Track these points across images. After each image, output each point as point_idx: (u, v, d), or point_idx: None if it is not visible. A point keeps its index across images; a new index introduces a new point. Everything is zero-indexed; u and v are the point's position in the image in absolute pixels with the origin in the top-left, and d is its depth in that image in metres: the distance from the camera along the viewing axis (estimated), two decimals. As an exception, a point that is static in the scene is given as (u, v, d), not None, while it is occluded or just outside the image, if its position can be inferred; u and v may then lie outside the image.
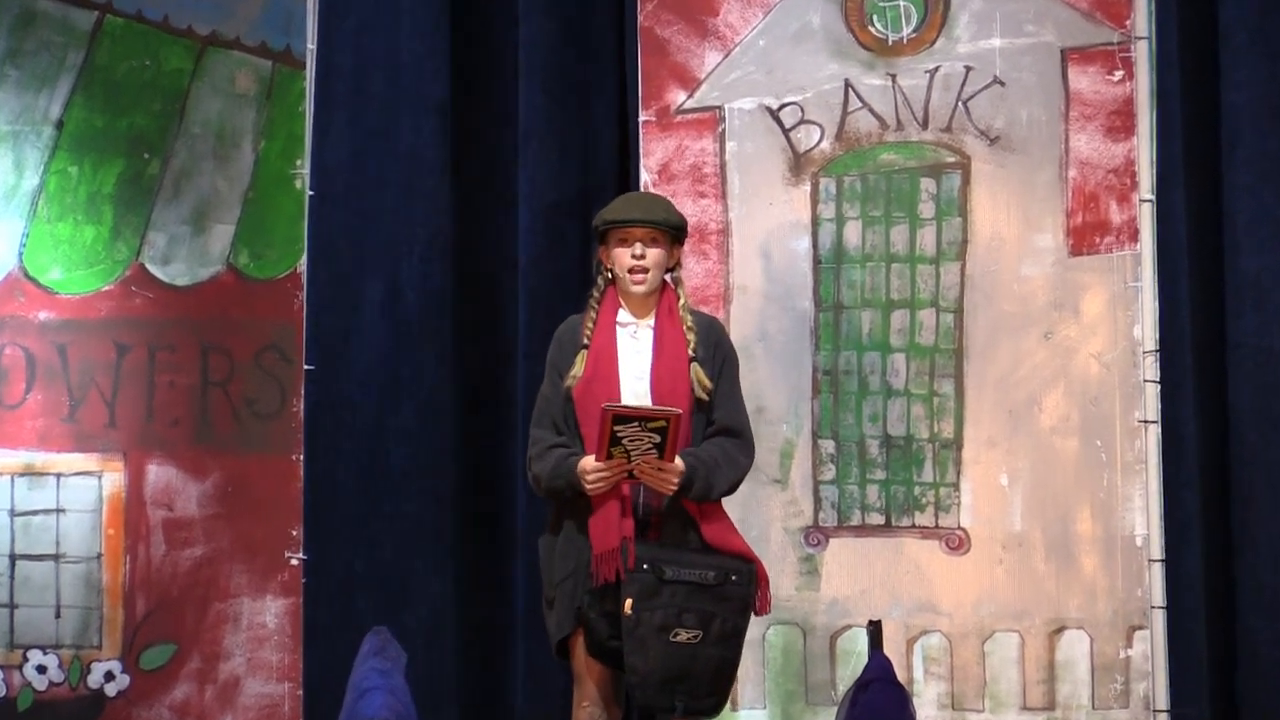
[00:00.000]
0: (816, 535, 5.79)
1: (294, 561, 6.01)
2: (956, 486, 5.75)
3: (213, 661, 6.09)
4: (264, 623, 6.08)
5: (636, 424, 4.43)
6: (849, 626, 5.74)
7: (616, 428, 4.43)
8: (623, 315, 4.72)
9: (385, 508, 6.01)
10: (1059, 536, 5.68)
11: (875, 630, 5.31)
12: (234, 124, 6.21)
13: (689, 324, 4.70)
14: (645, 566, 4.48)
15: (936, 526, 5.75)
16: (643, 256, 4.68)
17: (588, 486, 4.53)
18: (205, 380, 6.15)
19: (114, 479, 6.13)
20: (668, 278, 4.76)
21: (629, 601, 4.47)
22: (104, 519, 6.12)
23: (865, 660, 5.29)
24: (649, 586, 4.48)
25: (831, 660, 5.75)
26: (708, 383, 4.66)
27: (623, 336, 4.70)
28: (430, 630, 5.97)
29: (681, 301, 4.74)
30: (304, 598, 5.95)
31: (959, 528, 5.74)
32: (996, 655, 5.70)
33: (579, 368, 4.65)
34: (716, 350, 4.72)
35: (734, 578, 4.54)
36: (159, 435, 6.13)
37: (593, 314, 4.73)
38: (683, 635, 4.48)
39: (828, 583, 5.76)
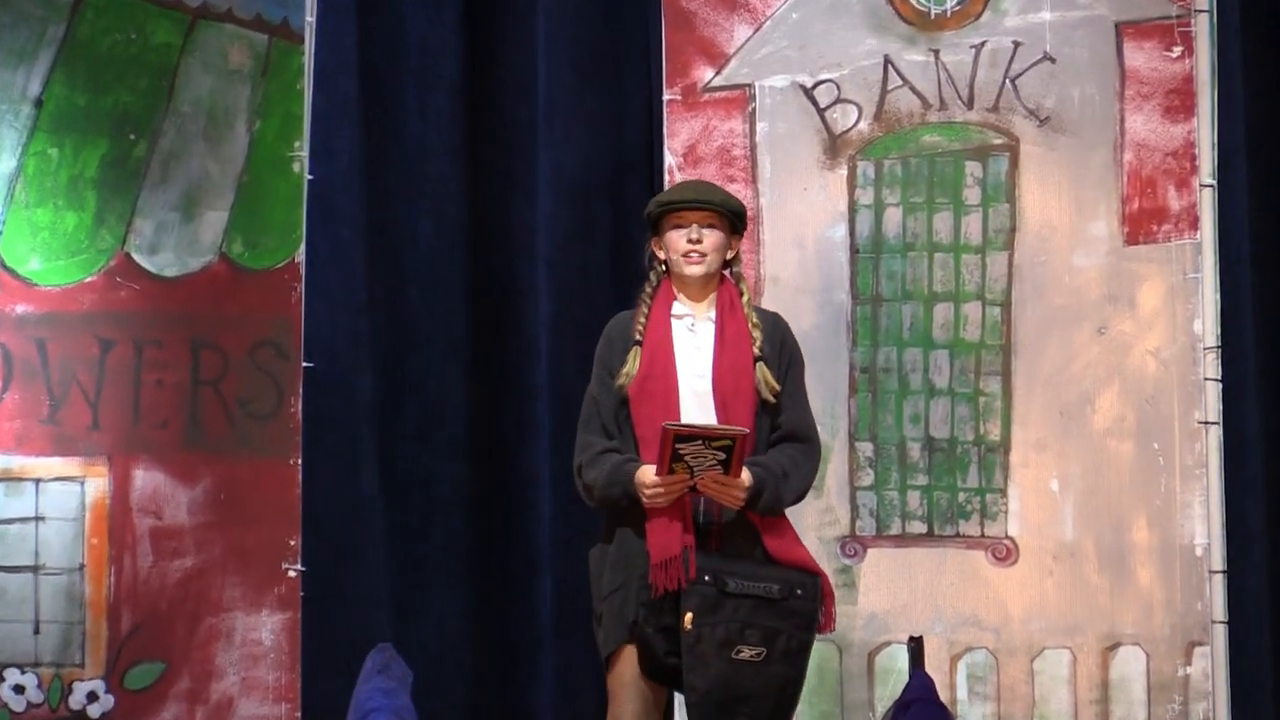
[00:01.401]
0: (854, 545, 5.82)
1: (291, 573, 6.00)
2: (1004, 493, 5.78)
3: (204, 681, 6.07)
4: (259, 639, 6.06)
5: (700, 442, 4.44)
6: (888, 643, 5.77)
7: (679, 446, 4.44)
8: (678, 308, 4.72)
9: (392, 515, 6.04)
10: (1113, 546, 5.71)
11: (916, 647, 5.36)
12: (227, 103, 6.19)
13: (754, 320, 4.71)
14: (707, 578, 4.49)
15: (982, 536, 5.78)
16: (699, 240, 4.69)
17: (647, 500, 4.54)
18: (196, 378, 6.13)
19: (97, 485, 6.11)
20: (727, 273, 4.76)
21: (689, 615, 4.48)
22: (87, 528, 6.10)
23: (905, 679, 5.35)
24: (710, 600, 4.49)
25: (869, 679, 5.78)
26: (775, 384, 4.66)
27: (679, 330, 4.70)
28: (441, 647, 6.01)
29: (745, 297, 4.75)
30: (302, 612, 5.95)
31: (1006, 537, 5.77)
32: (1046, 674, 5.72)
33: (632, 365, 4.65)
34: (783, 349, 4.73)
35: (799, 591, 4.56)
36: (146, 437, 6.11)
37: (645, 308, 4.73)
38: (745, 652, 4.50)
39: (865, 596, 5.79)
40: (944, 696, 5.49)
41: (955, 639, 5.75)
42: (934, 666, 5.54)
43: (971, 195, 5.85)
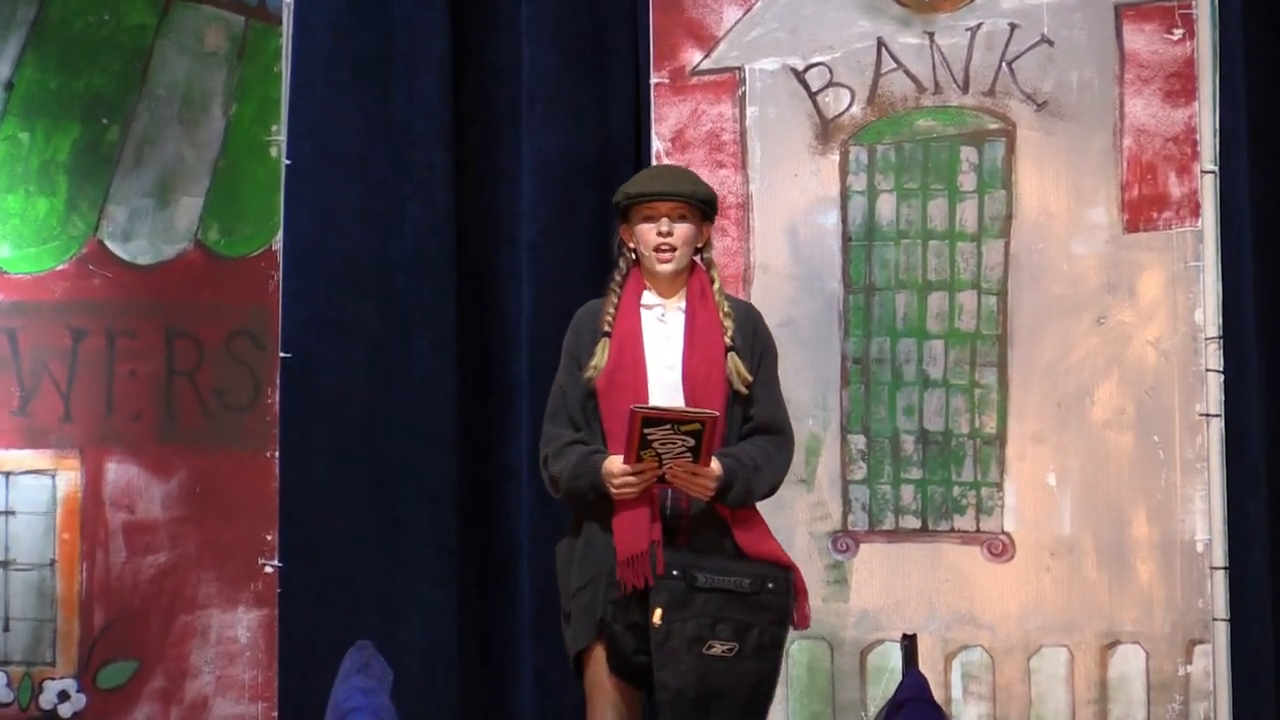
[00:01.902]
0: (845, 540, 5.81)
1: (268, 569, 6.02)
2: (1000, 487, 5.78)
3: (178, 680, 6.08)
4: (235, 637, 6.08)
5: (669, 426, 4.45)
6: (881, 641, 5.77)
7: (647, 430, 4.45)
8: (648, 297, 4.74)
9: (374, 509, 6.04)
10: (1112, 542, 5.71)
11: (910, 645, 5.35)
12: (202, 86, 6.21)
13: (725, 309, 4.71)
14: (675, 573, 4.50)
15: (977, 531, 5.78)
16: (670, 233, 4.70)
17: (614, 491, 4.55)
18: (170, 369, 6.14)
19: (69, 478, 6.12)
20: (698, 259, 4.76)
21: (658, 611, 4.49)
22: (58, 522, 6.12)
23: (899, 678, 5.33)
24: (680, 595, 4.50)
25: (862, 678, 5.78)
26: (747, 375, 4.68)
27: (649, 320, 4.71)
28: (426, 645, 6.00)
29: (716, 285, 4.76)
30: (280, 609, 5.96)
31: (1002, 532, 5.77)
32: (1043, 672, 5.72)
33: (601, 357, 4.67)
34: (755, 339, 4.74)
35: (771, 585, 4.57)
36: (119, 430, 6.13)
37: (614, 298, 4.75)
38: (717, 648, 4.51)
39: (858, 593, 5.79)
40: (938, 696, 5.48)
41: (950, 637, 5.74)
42: (928, 665, 5.51)
43: (967, 181, 5.84)
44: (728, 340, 4.67)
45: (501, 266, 6.18)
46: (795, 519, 5.78)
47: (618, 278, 4.78)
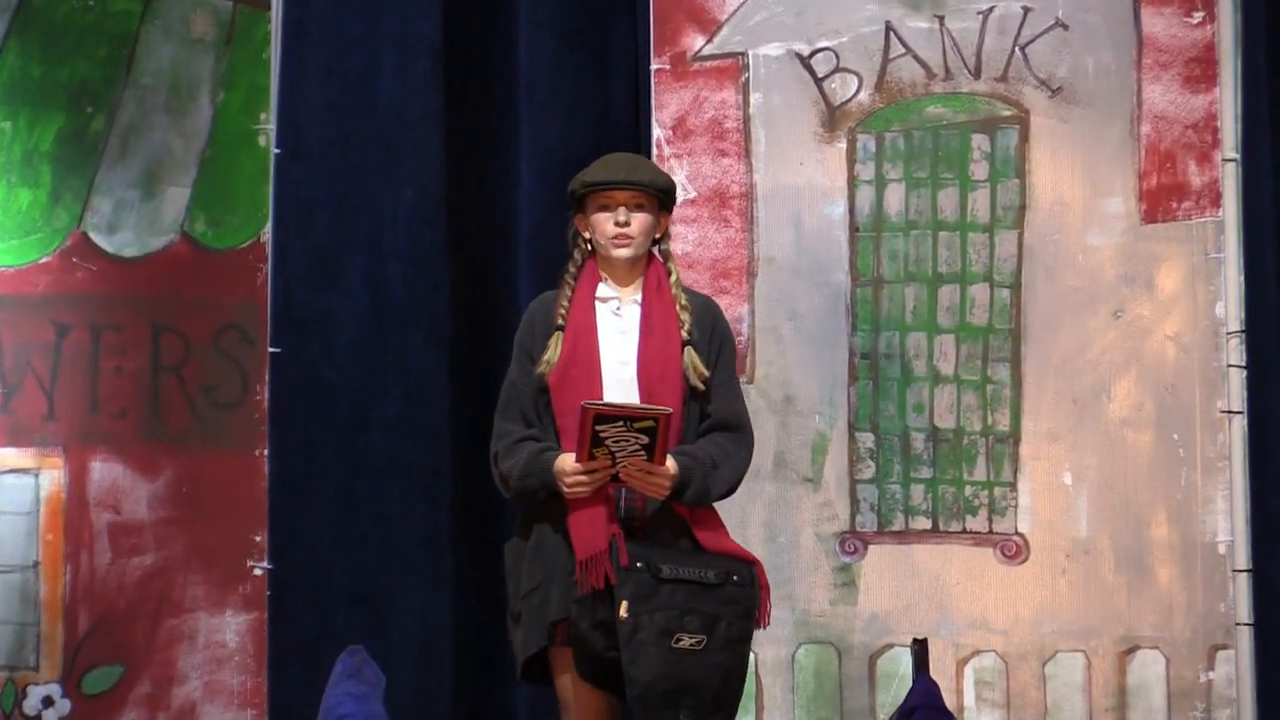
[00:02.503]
0: (853, 542, 5.81)
1: (257, 571, 6.05)
2: (1013, 486, 5.78)
3: (165, 685, 6.11)
4: (223, 641, 6.11)
5: (621, 423, 4.45)
6: (890, 646, 5.77)
7: (599, 427, 4.45)
8: (603, 289, 4.73)
9: (366, 508, 6.03)
10: (1130, 543, 5.71)
11: (920, 650, 5.35)
12: (189, 73, 6.24)
13: (682, 302, 4.71)
14: (639, 564, 4.50)
15: (990, 532, 5.78)
16: (627, 223, 4.69)
17: (566, 490, 4.55)
18: (156, 365, 6.17)
19: (52, 477, 6.15)
20: (655, 251, 4.76)
21: (624, 604, 4.49)
22: (41, 523, 6.14)
23: (909, 684, 5.33)
24: (645, 586, 4.50)
25: (871, 684, 5.78)
26: (704, 370, 4.66)
27: (603, 313, 4.71)
28: (421, 649, 6.00)
29: (673, 277, 4.75)
30: (269, 613, 5.96)
31: (1016, 533, 5.77)
32: (1059, 679, 5.72)
33: (553, 351, 4.66)
34: (713, 333, 4.73)
35: (736, 578, 4.57)
36: (104, 428, 6.16)
37: (568, 290, 4.74)
38: (686, 641, 4.51)
39: (866, 596, 5.79)
40: (950, 703, 5.48)
41: (962, 641, 5.75)
42: (939, 671, 5.52)
43: (979, 170, 5.85)
44: (684, 334, 4.66)
45: (496, 257, 6.17)
46: (801, 520, 5.78)
47: (572, 269, 4.77)
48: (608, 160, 4.82)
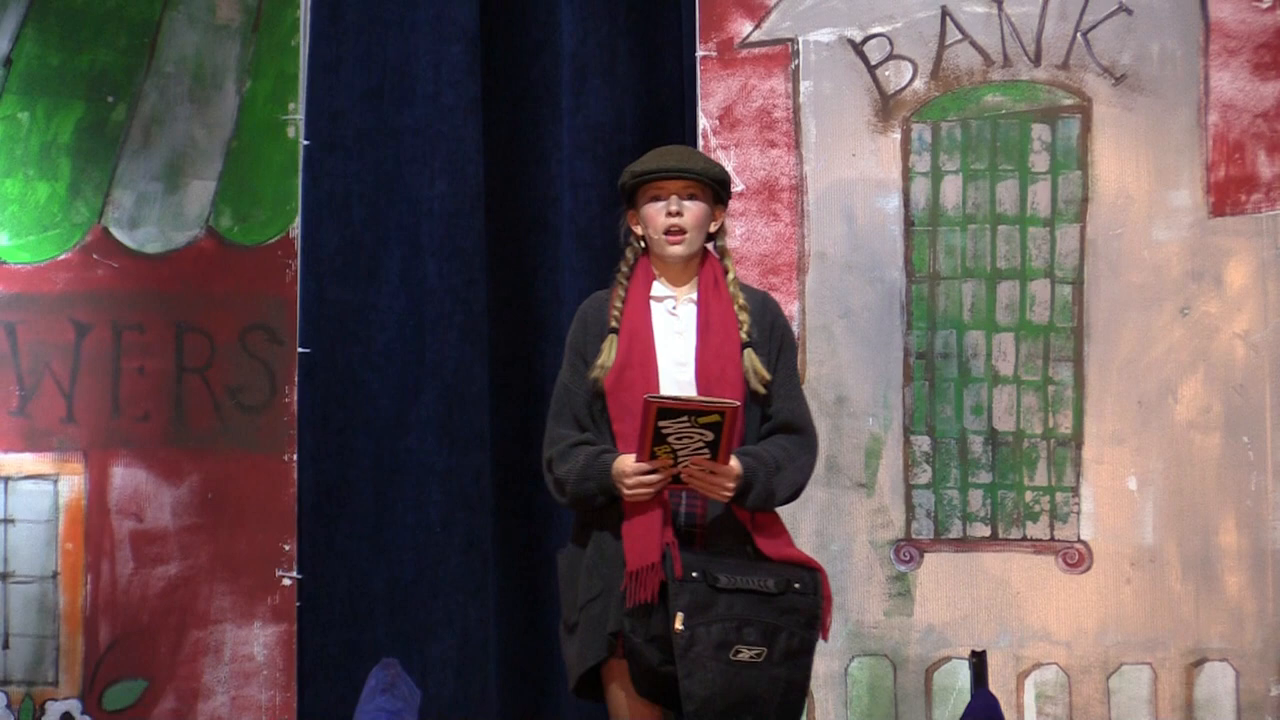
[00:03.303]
0: (909, 550, 5.82)
1: (286, 581, 6.05)
2: (1076, 492, 5.78)
3: (190, 700, 6.11)
4: (251, 654, 6.10)
5: (685, 419, 4.44)
6: (948, 658, 5.78)
7: (661, 423, 4.44)
8: (658, 288, 4.73)
9: (402, 515, 6.06)
10: (1198, 551, 5.72)
11: (979, 662, 5.39)
12: (214, 60, 6.24)
13: (740, 301, 4.71)
14: (695, 574, 4.50)
15: (1052, 539, 5.79)
16: (679, 213, 4.68)
17: (626, 492, 4.55)
18: (180, 366, 6.17)
19: (72, 483, 6.15)
20: (710, 247, 4.74)
21: (680, 616, 4.48)
22: (60, 531, 6.14)
23: (967, 699, 5.34)
24: (702, 597, 4.49)
25: (927, 698, 5.78)
26: (765, 373, 4.67)
27: (659, 314, 4.72)
28: (460, 663, 6.01)
29: (730, 275, 4.75)
30: (299, 625, 6.00)
31: (1079, 541, 5.77)
32: (1124, 692, 5.72)
33: (608, 355, 4.66)
34: (772, 332, 4.73)
35: (798, 585, 4.57)
36: (125, 431, 6.16)
37: (621, 290, 4.74)
38: (745, 653, 4.50)
39: (922, 606, 5.80)
40: (1010, 718, 5.50)
41: (1022, 654, 5.75)
42: (998, 685, 5.56)
43: (1039, 162, 5.86)
44: (744, 335, 4.66)
45: (539, 251, 6.20)
46: (854, 527, 5.79)
47: (624, 268, 4.77)
48: (658, 151, 4.83)
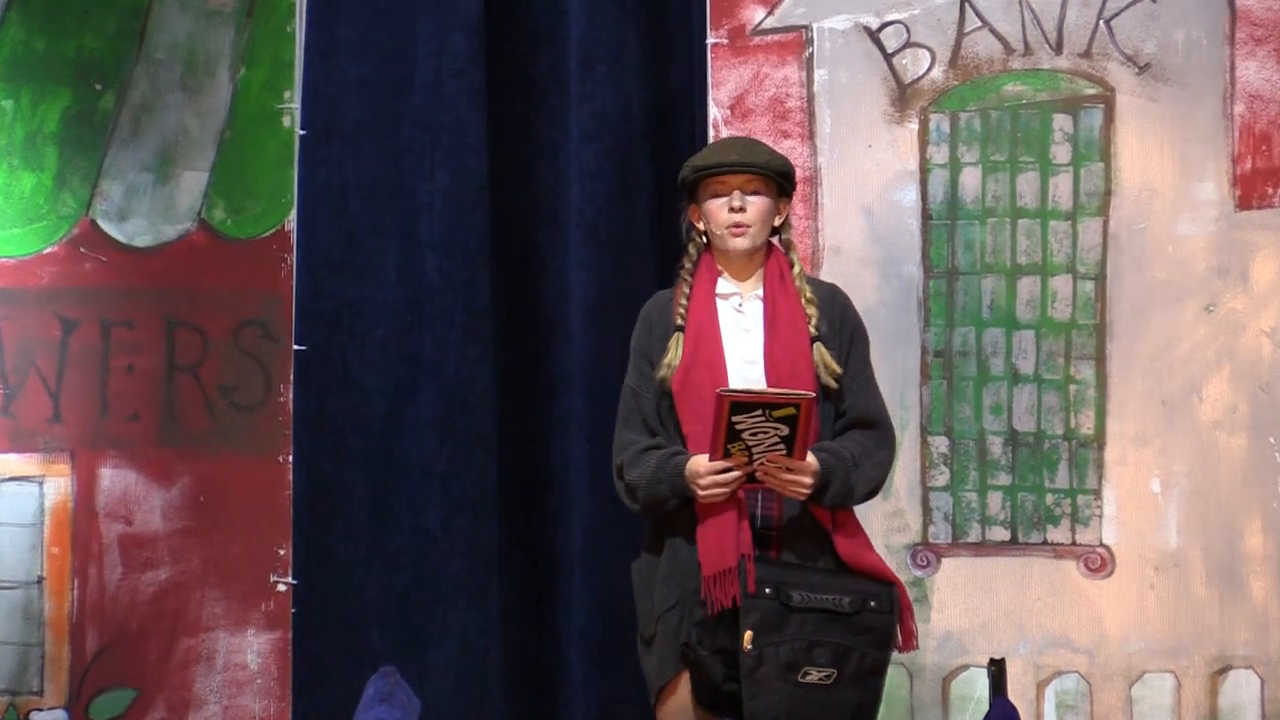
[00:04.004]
0: (926, 554, 5.84)
1: (281, 587, 6.05)
2: (1098, 494, 5.80)
3: (181, 711, 6.12)
4: (244, 663, 6.11)
5: (760, 413, 4.44)
6: (966, 666, 5.79)
7: (735, 418, 4.44)
8: (723, 285, 4.74)
9: (401, 519, 6.06)
10: (1223, 555, 5.73)
11: (998, 671, 5.43)
12: (207, 47, 6.24)
13: (807, 295, 4.72)
14: (768, 591, 4.49)
15: (1073, 543, 5.80)
16: (742, 209, 4.69)
17: (701, 493, 4.55)
18: (171, 364, 6.17)
19: (58, 485, 6.15)
20: (775, 241, 4.75)
21: (749, 634, 4.47)
22: (46, 535, 6.14)
23: (986, 708, 5.36)
24: (773, 615, 4.48)
25: (944, 708, 5.80)
26: (836, 367, 4.68)
27: (725, 311, 4.72)
28: (462, 672, 6.01)
29: (796, 268, 4.76)
30: (294, 632, 6.00)
31: (1101, 545, 5.79)
32: (1147, 701, 5.74)
33: (675, 354, 4.66)
34: (843, 325, 4.75)
35: (873, 603, 4.57)
36: (114, 432, 6.17)
37: (685, 288, 4.74)
38: (813, 675, 4.50)
39: (940, 613, 5.81)
40: (1029, 728, 5.51)
41: (1042, 662, 5.76)
42: (1018, 693, 5.57)
43: (1060, 153, 5.87)
44: (812, 329, 4.67)
45: (543, 246, 6.20)
46: (870, 530, 5.65)
47: (688, 264, 4.77)
48: (719, 143, 4.88)
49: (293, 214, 6.08)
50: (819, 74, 5.93)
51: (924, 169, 5.89)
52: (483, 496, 6.08)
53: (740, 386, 4.54)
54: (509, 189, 6.19)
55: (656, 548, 4.66)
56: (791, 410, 4.43)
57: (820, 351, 4.65)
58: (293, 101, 6.09)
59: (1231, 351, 5.75)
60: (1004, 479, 5.81)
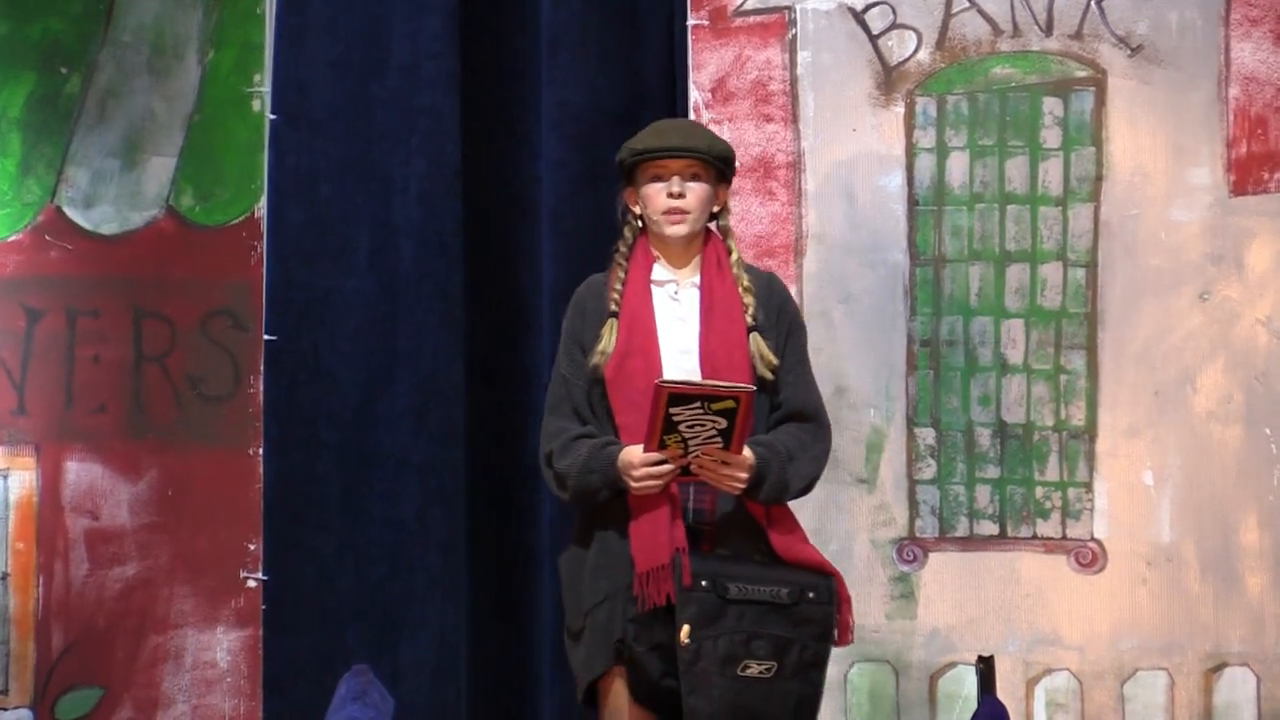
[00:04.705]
0: (912, 549, 5.84)
1: (251, 583, 6.07)
2: (1089, 487, 5.81)
3: (149, 710, 6.13)
4: (213, 661, 6.12)
5: (699, 405, 4.45)
6: (953, 664, 5.80)
7: (673, 410, 4.45)
8: (659, 271, 4.75)
9: (374, 512, 6.06)
10: (1217, 549, 5.74)
11: (986, 668, 5.43)
12: (174, 29, 6.26)
13: (744, 283, 4.72)
14: (704, 583, 4.50)
15: (1064, 538, 5.80)
16: (682, 194, 4.69)
17: (634, 485, 4.55)
18: (139, 354, 6.19)
19: (23, 479, 6.16)
20: (713, 227, 4.77)
21: (686, 628, 4.49)
22: (11, 530, 6.16)
23: (974, 706, 5.37)
24: (710, 608, 4.50)
25: (931, 706, 5.81)
26: (772, 357, 4.68)
27: (660, 298, 4.73)
28: (435, 669, 6.01)
29: (733, 256, 4.77)
30: (264, 629, 6.00)
31: (1092, 539, 5.79)
32: (1139, 699, 5.75)
33: (608, 341, 4.66)
34: (780, 315, 4.75)
35: (812, 595, 4.57)
36: (80, 424, 6.18)
37: (620, 273, 4.75)
38: (753, 668, 4.51)
39: (926, 609, 5.82)
40: (1019, 727, 5.52)
41: (1032, 659, 5.78)
42: (1007, 691, 5.57)
43: (1050, 137, 5.88)
44: (749, 319, 4.67)
45: (518, 233, 6.20)
46: (855, 525, 5.84)
47: (623, 249, 4.77)
48: (659, 126, 4.84)
49: (262, 200, 6.09)
50: (802, 56, 5.94)
51: (910, 153, 5.90)
52: (456, 490, 6.08)
53: (678, 377, 4.53)
54: (485, 176, 6.19)
55: (586, 540, 4.66)
56: (731, 403, 4.43)
57: (757, 342, 4.65)
58: (262, 85, 6.11)
59: (1226, 340, 5.76)
60: (992, 471, 5.83)
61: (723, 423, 4.45)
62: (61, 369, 6.16)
